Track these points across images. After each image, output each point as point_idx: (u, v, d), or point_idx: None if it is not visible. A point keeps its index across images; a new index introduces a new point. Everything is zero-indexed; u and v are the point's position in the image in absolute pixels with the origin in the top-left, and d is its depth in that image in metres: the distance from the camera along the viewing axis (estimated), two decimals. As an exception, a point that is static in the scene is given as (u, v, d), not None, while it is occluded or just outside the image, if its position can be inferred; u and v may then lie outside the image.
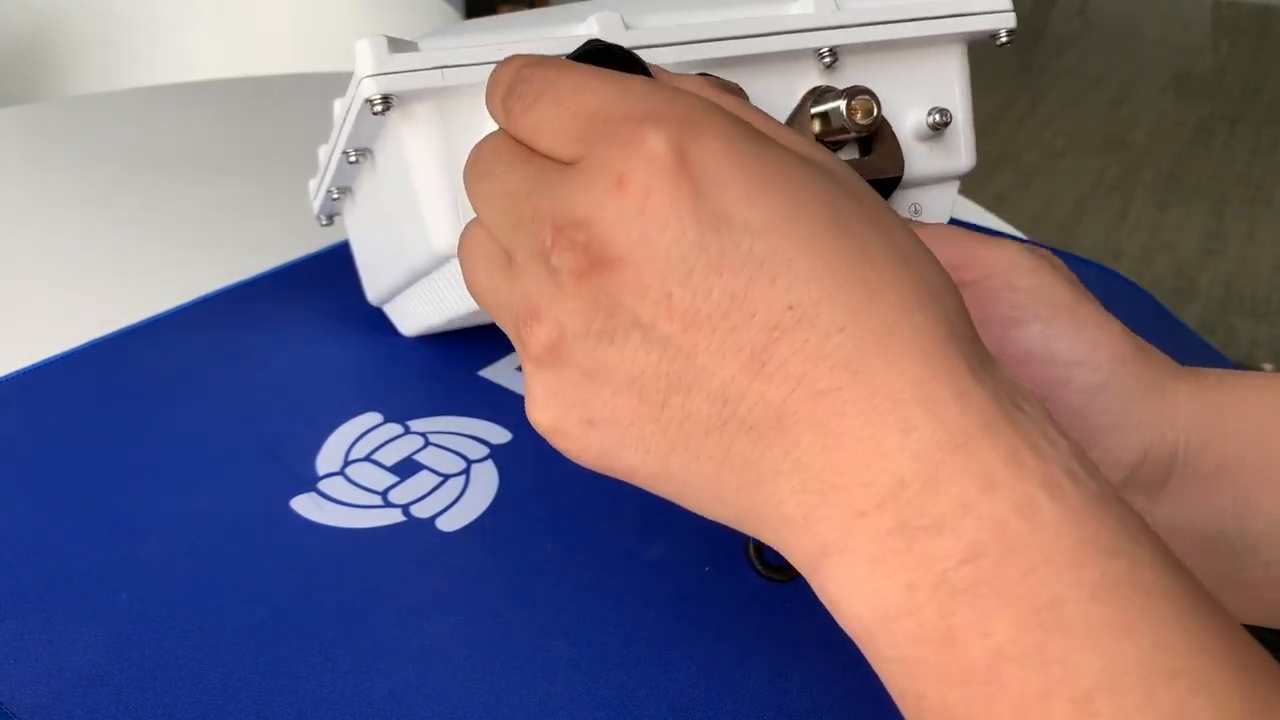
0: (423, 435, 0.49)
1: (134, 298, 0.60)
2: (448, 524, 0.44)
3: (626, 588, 0.40)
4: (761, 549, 0.34)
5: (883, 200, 0.28)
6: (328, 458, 0.47)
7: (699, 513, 0.28)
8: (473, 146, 0.31)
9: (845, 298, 0.25)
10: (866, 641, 0.25)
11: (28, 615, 0.39)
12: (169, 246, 0.67)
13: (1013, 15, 0.45)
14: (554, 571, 0.41)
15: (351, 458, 0.47)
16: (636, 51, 0.38)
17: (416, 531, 0.43)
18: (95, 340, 0.55)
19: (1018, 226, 0.75)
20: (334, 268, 0.62)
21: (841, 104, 0.40)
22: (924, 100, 0.45)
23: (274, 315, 0.58)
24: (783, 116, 0.43)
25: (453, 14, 1.24)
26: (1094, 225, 2.45)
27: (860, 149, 0.42)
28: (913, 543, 0.24)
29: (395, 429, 0.49)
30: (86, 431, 0.48)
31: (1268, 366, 1.97)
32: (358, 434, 0.49)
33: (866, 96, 0.40)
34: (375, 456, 0.47)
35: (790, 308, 0.25)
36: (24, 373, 0.53)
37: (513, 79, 0.29)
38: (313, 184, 0.55)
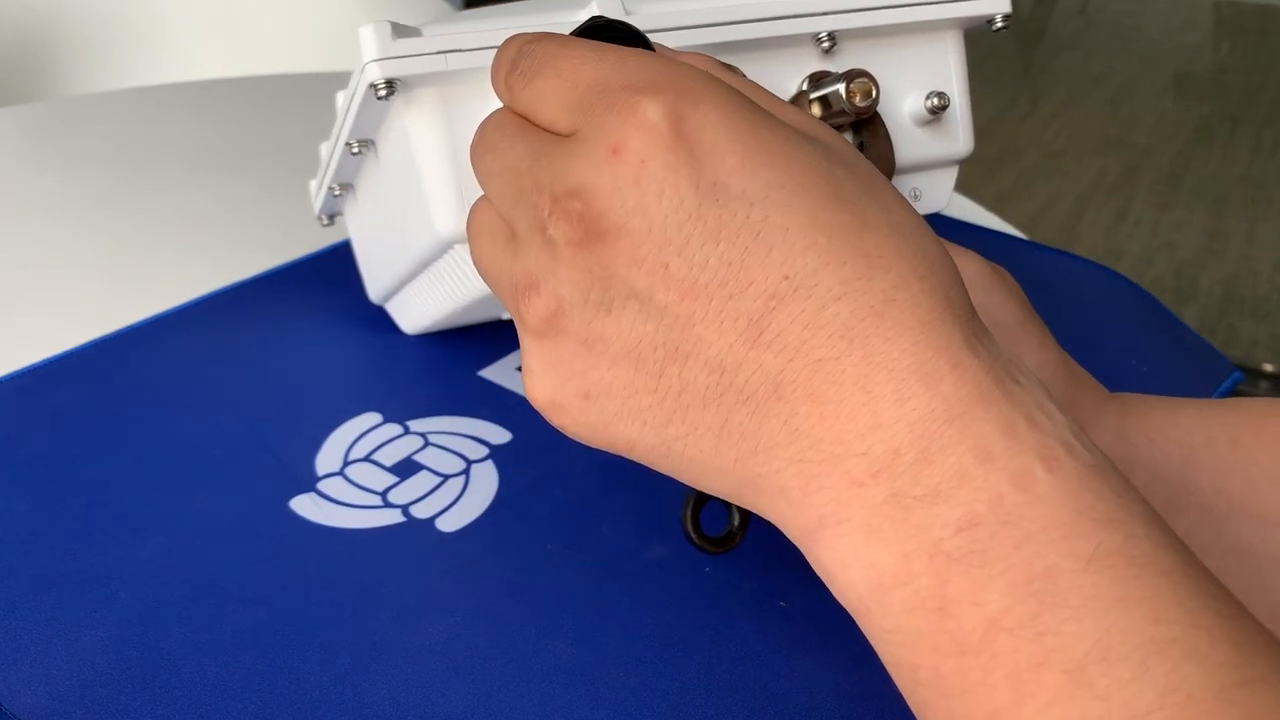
0: (422, 435, 0.49)
1: (134, 298, 0.60)
2: (447, 524, 0.44)
3: (626, 588, 0.40)
4: (698, 518, 0.33)
5: (880, 174, 0.28)
6: (327, 458, 0.47)
7: (697, 486, 0.28)
8: (479, 123, 0.31)
9: (842, 268, 0.25)
10: (862, 612, 0.25)
11: (28, 615, 0.39)
12: (169, 246, 0.67)
13: (1007, 2, 0.46)
14: (554, 571, 0.41)
15: (351, 458, 0.47)
16: None
17: (416, 532, 0.43)
18: (95, 340, 0.55)
19: (1018, 226, 0.75)
20: (334, 268, 0.62)
21: (840, 87, 0.40)
22: (922, 85, 0.45)
23: (274, 315, 0.58)
24: None
25: (452, 13, 1.23)
26: (1094, 225, 2.45)
27: (854, 138, 0.43)
28: (909, 512, 0.24)
29: (395, 429, 0.49)
30: (86, 431, 0.48)
31: (1269, 367, 1.97)
32: (357, 434, 0.49)
33: (865, 79, 0.40)
34: (375, 457, 0.47)
35: (787, 277, 0.25)
36: (24, 373, 0.52)
37: (515, 55, 0.29)
38: (313, 184, 0.55)
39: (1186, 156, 2.77)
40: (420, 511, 0.44)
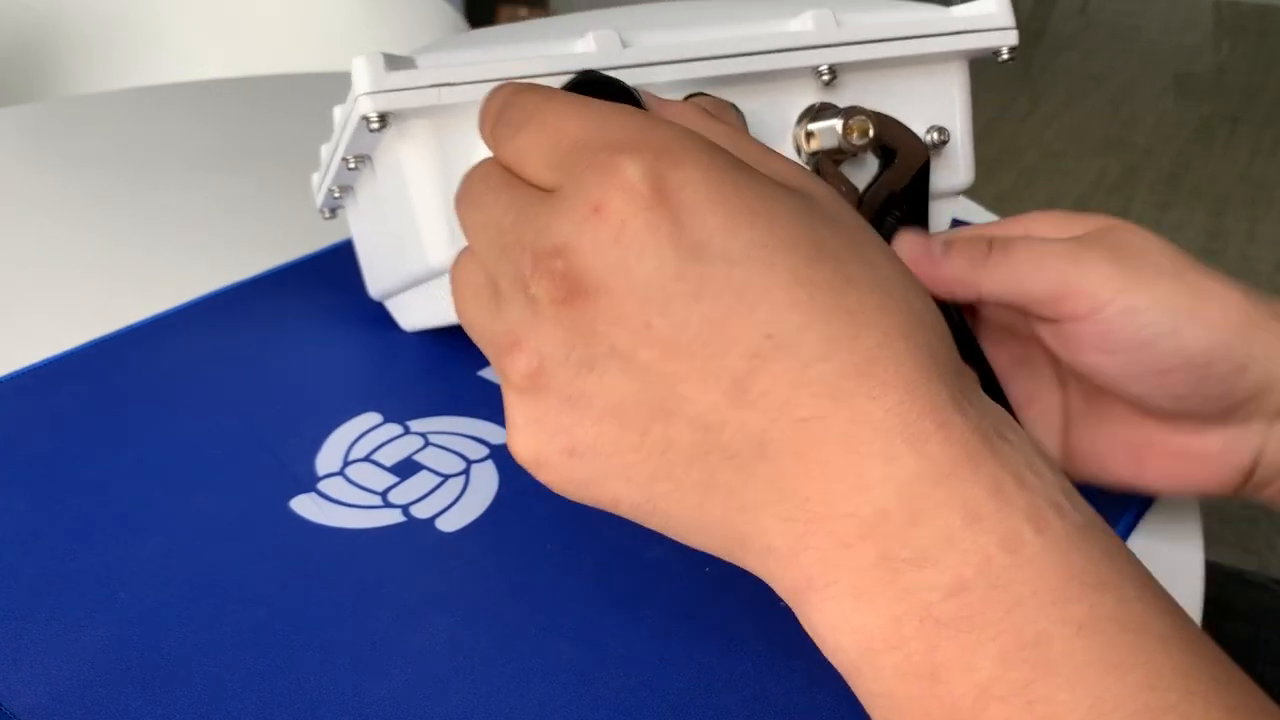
0: (422, 435, 0.49)
1: (134, 298, 0.60)
2: (448, 524, 0.44)
3: (626, 588, 0.40)
4: None
5: (867, 226, 0.28)
6: (327, 458, 0.47)
7: (685, 542, 0.28)
8: (465, 173, 0.30)
9: (826, 326, 0.25)
10: (853, 674, 0.25)
11: (28, 615, 0.39)
12: (169, 246, 0.67)
13: (1015, 33, 0.45)
14: (554, 571, 0.41)
15: (351, 458, 0.47)
16: (634, 68, 0.38)
17: (416, 532, 0.43)
18: (95, 340, 0.55)
19: (1018, 226, 0.75)
20: (334, 268, 0.62)
21: (837, 124, 0.40)
22: (923, 117, 0.45)
23: (274, 315, 0.58)
24: (779, 133, 0.43)
25: (452, 13, 1.23)
26: (1094, 225, 2.44)
27: (881, 157, 0.42)
28: (897, 575, 0.24)
29: (395, 429, 0.49)
30: (87, 431, 0.48)
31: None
32: (357, 434, 0.49)
33: (863, 118, 0.40)
34: (375, 457, 0.47)
35: (770, 335, 0.25)
36: (24, 373, 0.53)
37: (501, 106, 0.29)
38: (315, 178, 0.55)
39: (1186, 157, 2.78)
40: (420, 511, 0.44)
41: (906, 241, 0.40)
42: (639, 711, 0.36)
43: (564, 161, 0.27)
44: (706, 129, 0.29)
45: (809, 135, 0.42)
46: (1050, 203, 2.53)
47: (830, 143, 0.41)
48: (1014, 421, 0.26)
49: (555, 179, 0.27)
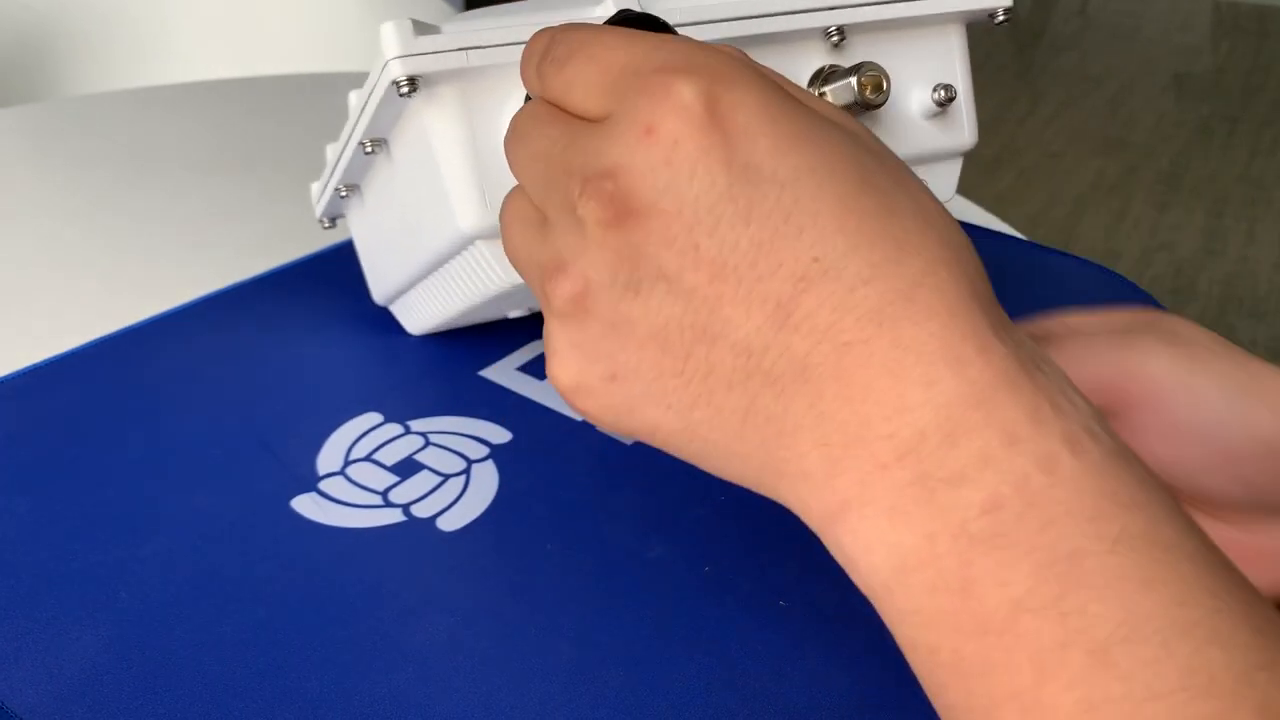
0: (423, 435, 0.49)
1: (134, 298, 0.60)
2: (448, 524, 0.44)
3: (626, 588, 0.40)
4: None
5: (906, 165, 0.28)
6: (328, 458, 0.47)
7: (719, 473, 0.28)
8: (512, 116, 0.31)
9: (871, 251, 0.25)
10: (883, 595, 0.25)
11: (28, 615, 0.39)
12: (169, 247, 0.67)
13: None
14: (554, 571, 0.41)
15: (352, 458, 0.47)
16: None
17: (417, 531, 0.43)
18: (95, 340, 0.55)
19: (1017, 226, 0.75)
20: (334, 268, 0.62)
21: (852, 80, 0.41)
22: (928, 78, 0.45)
23: (274, 315, 0.58)
24: None
25: (452, 13, 1.23)
26: (1094, 225, 2.45)
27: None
28: (933, 494, 0.24)
29: (396, 429, 0.49)
30: (86, 431, 0.48)
31: (1267, 367, 1.96)
32: (358, 434, 0.49)
33: (875, 71, 0.41)
34: (376, 456, 0.47)
35: (816, 259, 0.25)
36: (24, 373, 0.53)
37: (547, 43, 0.30)
38: (316, 186, 0.55)
39: (1186, 157, 2.78)
40: (421, 511, 0.44)
41: None
42: (639, 711, 0.36)
43: (615, 87, 0.27)
44: (753, 62, 0.29)
45: (822, 97, 0.42)
46: (1050, 202, 2.53)
47: (846, 98, 0.42)
48: (1048, 355, 0.26)
49: (606, 105, 0.27)
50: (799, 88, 0.30)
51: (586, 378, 0.28)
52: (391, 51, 0.38)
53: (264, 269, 0.62)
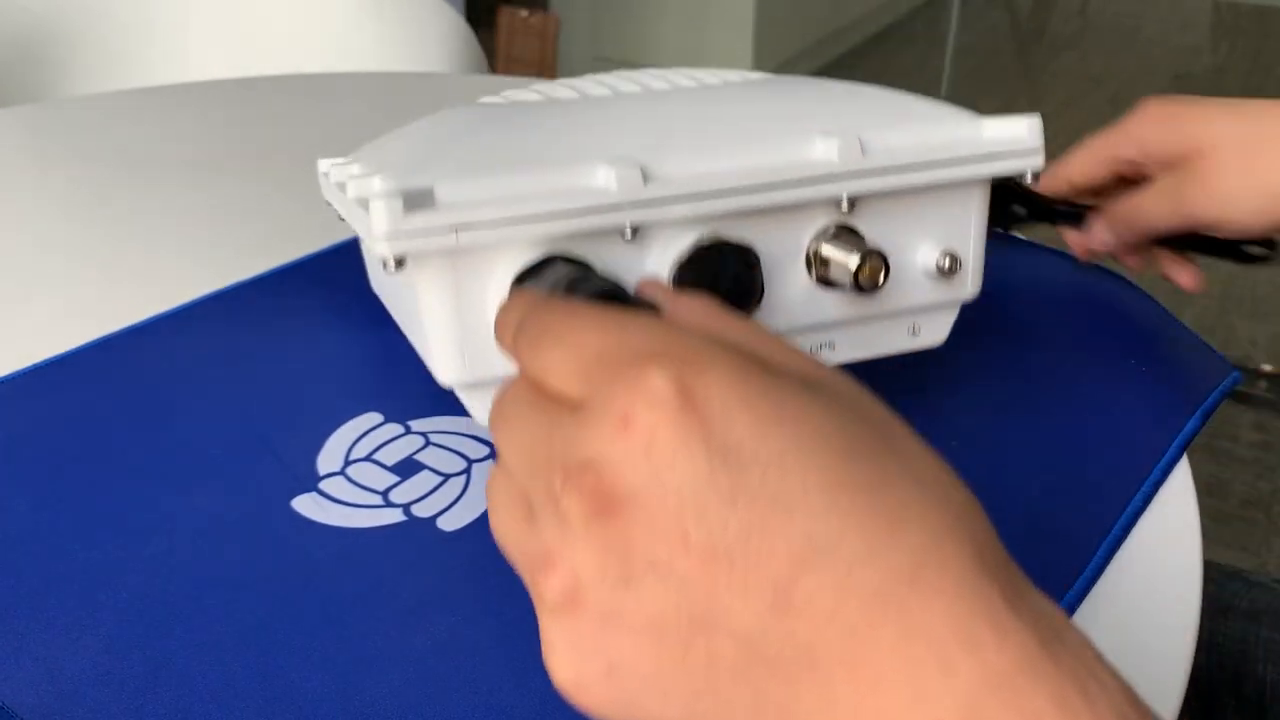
0: (423, 435, 0.49)
1: (133, 298, 0.60)
2: (449, 523, 0.44)
3: (627, 587, 0.40)
4: None
5: (896, 418, 0.27)
6: (329, 457, 0.47)
7: None
8: (495, 394, 0.30)
9: (865, 529, 0.24)
10: None
11: (28, 615, 0.39)
12: (168, 247, 0.67)
13: (1041, 157, 0.44)
14: (554, 571, 0.41)
15: (352, 457, 0.47)
16: (654, 206, 0.38)
17: (417, 531, 0.43)
18: (95, 340, 0.55)
19: (1017, 227, 0.75)
20: (334, 268, 0.62)
21: (850, 263, 0.41)
22: (937, 239, 0.44)
23: (274, 315, 0.58)
24: (793, 256, 0.43)
25: (452, 14, 1.23)
26: (1094, 225, 2.44)
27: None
28: None
29: (396, 429, 0.49)
30: (86, 431, 0.48)
31: (1267, 367, 1.97)
32: (359, 434, 0.49)
33: (877, 263, 0.40)
34: (376, 456, 0.47)
35: (810, 539, 0.24)
36: (24, 373, 0.53)
37: (520, 318, 0.29)
38: (323, 162, 0.54)
39: (1186, 157, 2.77)
40: (422, 510, 0.44)
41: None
42: (639, 711, 0.36)
43: (588, 374, 0.27)
44: (723, 328, 0.29)
45: (822, 260, 0.42)
46: (1050, 203, 2.53)
47: (840, 279, 0.41)
48: (1069, 620, 0.25)
49: (581, 392, 0.27)
50: (778, 344, 0.29)
51: (584, 674, 0.27)
52: (380, 231, 0.36)
53: (264, 269, 0.63)
